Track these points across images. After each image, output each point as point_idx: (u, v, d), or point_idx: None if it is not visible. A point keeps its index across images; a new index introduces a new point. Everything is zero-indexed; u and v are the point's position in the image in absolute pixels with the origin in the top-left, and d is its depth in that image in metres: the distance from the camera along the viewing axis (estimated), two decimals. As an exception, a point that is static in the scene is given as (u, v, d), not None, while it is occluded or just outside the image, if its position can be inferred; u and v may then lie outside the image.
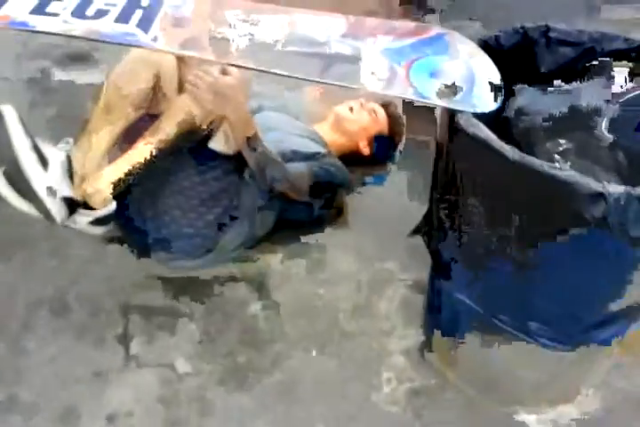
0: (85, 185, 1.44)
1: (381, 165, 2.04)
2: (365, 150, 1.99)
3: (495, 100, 1.12)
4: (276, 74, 1.14)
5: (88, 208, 1.45)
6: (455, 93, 1.11)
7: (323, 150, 1.84)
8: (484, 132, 1.04)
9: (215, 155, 1.59)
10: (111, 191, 1.47)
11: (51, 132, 1.51)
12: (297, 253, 1.76)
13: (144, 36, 1.22)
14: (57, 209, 1.34)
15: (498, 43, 1.27)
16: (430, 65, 1.16)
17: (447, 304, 1.37)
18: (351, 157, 1.96)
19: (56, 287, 1.64)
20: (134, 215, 1.62)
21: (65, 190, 1.36)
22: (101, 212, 1.47)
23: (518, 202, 1.07)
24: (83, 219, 1.45)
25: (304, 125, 1.97)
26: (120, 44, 1.21)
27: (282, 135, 1.84)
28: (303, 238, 1.79)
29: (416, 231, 1.44)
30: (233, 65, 1.24)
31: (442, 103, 1.09)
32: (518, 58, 1.29)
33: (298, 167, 1.68)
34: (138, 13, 1.27)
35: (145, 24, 1.25)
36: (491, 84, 1.14)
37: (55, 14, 1.25)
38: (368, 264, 1.75)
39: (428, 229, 1.36)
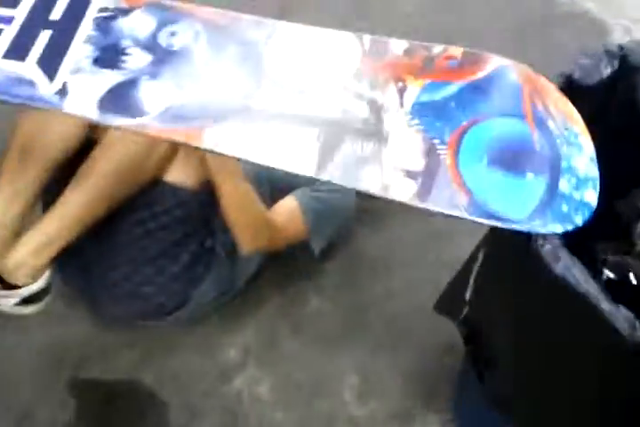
0: (3, 260, 1.07)
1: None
2: None
3: (593, 204, 0.73)
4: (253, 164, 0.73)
5: (10, 287, 1.09)
6: None
7: None
8: (578, 276, 0.67)
9: (175, 190, 1.20)
10: (40, 261, 1.10)
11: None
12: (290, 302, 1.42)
13: (46, 85, 0.78)
14: None
15: (583, 77, 0.86)
16: (491, 138, 0.75)
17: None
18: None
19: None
20: (79, 275, 1.26)
21: None
22: (28, 289, 1.10)
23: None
24: (4, 302, 1.09)
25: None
26: (6, 102, 0.77)
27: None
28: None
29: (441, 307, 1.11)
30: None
31: (518, 226, 0.70)
32: (609, 95, 0.88)
33: (285, 207, 1.29)
34: (43, 37, 0.80)
35: (50, 60, 0.80)
36: (584, 170, 0.74)
37: None
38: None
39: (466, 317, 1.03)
